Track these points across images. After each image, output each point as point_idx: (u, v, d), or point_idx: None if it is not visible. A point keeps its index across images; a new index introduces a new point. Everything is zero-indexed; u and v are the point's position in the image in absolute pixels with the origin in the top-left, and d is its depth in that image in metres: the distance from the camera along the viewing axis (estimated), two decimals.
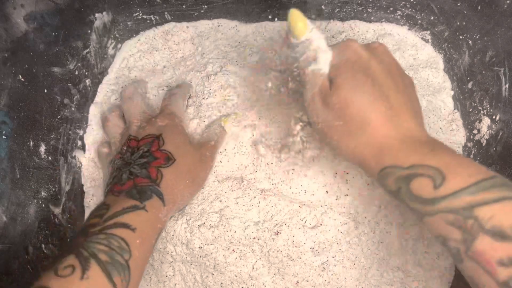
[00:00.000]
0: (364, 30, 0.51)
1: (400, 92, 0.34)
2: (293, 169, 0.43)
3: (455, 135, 0.46)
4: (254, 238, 0.42)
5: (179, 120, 0.44)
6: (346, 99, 0.33)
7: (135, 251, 0.33)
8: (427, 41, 0.50)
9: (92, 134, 0.49)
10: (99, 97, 0.51)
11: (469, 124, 0.46)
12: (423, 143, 0.33)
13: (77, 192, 0.48)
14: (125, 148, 0.41)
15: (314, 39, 0.35)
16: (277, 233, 0.42)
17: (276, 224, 0.42)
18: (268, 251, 0.42)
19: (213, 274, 0.42)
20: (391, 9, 0.50)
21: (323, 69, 0.35)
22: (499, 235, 0.27)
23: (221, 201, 0.43)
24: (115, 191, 0.37)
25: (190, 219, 0.42)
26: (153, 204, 0.36)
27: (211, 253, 0.41)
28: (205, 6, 0.52)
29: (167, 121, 0.42)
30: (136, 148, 0.40)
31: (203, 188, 0.44)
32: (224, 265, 0.41)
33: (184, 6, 0.52)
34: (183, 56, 0.52)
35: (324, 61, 0.35)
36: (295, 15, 0.35)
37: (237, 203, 0.43)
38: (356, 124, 0.33)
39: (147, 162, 0.39)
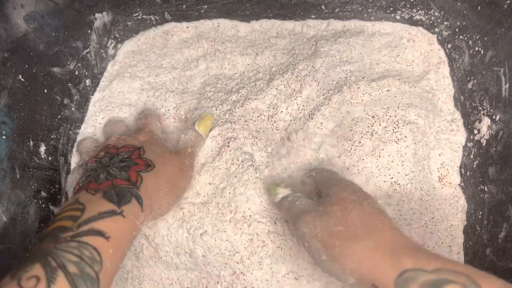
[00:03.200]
0: (364, 30, 0.51)
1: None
2: None
3: (455, 135, 0.46)
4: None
5: (157, 137, 0.44)
6: (347, 207, 0.33)
7: (107, 262, 0.31)
8: (427, 41, 0.50)
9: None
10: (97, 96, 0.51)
11: (469, 124, 0.46)
12: (431, 252, 0.31)
13: None
14: (102, 153, 0.40)
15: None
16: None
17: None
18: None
19: (217, 282, 0.42)
20: (391, 9, 0.50)
21: (306, 200, 0.37)
22: None
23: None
24: (91, 189, 0.35)
25: (191, 228, 0.42)
26: (131, 210, 0.35)
27: (214, 261, 0.41)
28: (205, 6, 0.52)
29: (147, 137, 0.42)
30: (116, 154, 0.39)
31: (198, 196, 0.43)
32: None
33: (184, 6, 0.52)
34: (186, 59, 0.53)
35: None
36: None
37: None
38: (360, 228, 0.32)
39: (126, 165, 0.38)
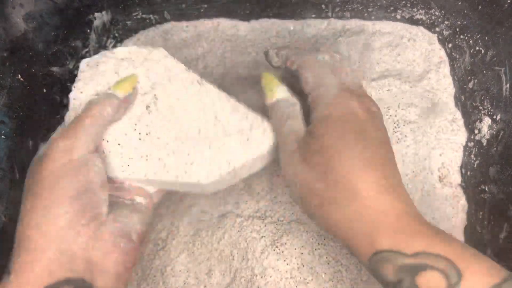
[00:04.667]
0: (364, 29, 0.51)
1: (394, 164, 0.30)
2: None
3: (456, 135, 0.46)
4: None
5: None
6: (330, 161, 0.28)
7: None
8: (427, 40, 0.50)
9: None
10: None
11: (470, 124, 0.46)
12: (422, 223, 0.27)
13: None
14: None
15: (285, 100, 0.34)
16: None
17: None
18: None
19: None
20: (392, 8, 0.50)
21: (299, 126, 0.32)
22: None
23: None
24: None
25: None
26: None
27: None
28: (205, 6, 0.52)
29: None
30: None
31: None
32: None
33: (183, 6, 0.52)
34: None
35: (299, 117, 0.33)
36: (266, 79, 0.35)
37: None
38: (342, 192, 0.28)
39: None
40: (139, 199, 0.33)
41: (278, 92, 0.34)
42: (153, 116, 0.34)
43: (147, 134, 0.33)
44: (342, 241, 0.29)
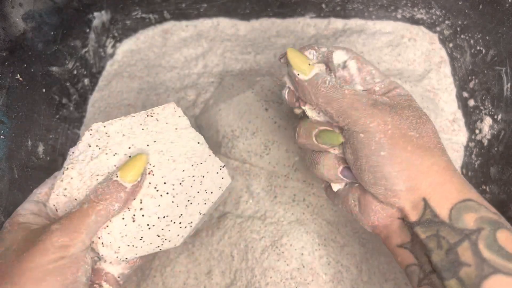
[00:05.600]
0: (364, 29, 0.51)
1: None
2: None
3: (457, 135, 0.46)
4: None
5: (11, 218, 0.32)
6: (421, 117, 0.31)
7: None
8: (428, 40, 0.50)
9: None
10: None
11: (471, 124, 0.45)
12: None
13: None
14: None
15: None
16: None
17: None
18: None
19: None
20: (392, 7, 0.50)
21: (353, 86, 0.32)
22: None
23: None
24: None
25: None
26: None
27: None
28: (205, 5, 0.52)
29: None
30: None
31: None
32: None
33: (183, 5, 0.52)
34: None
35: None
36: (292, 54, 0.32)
37: None
38: (434, 144, 0.30)
39: None
40: (105, 286, 0.32)
41: (315, 64, 0.32)
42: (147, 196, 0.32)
43: (142, 216, 0.31)
44: (422, 190, 0.29)
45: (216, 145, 0.46)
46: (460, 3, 0.45)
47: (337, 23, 0.52)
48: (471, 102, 0.45)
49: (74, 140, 0.48)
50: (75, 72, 0.47)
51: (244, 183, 0.44)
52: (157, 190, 0.31)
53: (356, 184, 0.33)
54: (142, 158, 0.31)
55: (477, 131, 0.44)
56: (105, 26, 0.50)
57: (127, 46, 0.53)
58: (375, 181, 0.29)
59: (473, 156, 0.44)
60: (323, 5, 0.51)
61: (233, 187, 0.44)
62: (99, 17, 0.49)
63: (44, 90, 0.43)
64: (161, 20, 0.53)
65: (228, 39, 0.53)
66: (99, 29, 0.49)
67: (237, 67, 0.51)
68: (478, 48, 0.44)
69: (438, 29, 0.49)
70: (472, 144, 0.45)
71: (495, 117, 0.42)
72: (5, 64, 0.38)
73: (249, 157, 0.45)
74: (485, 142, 0.43)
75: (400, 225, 0.30)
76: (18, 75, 0.39)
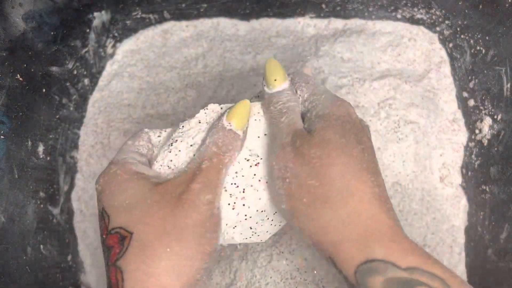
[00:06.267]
0: (364, 29, 0.51)
1: (381, 178, 0.28)
2: None
3: (456, 135, 0.46)
4: None
5: (121, 165, 0.29)
6: (329, 156, 0.26)
7: None
8: (428, 40, 0.50)
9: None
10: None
11: (471, 124, 0.45)
12: (413, 242, 0.25)
13: None
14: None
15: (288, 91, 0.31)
16: None
17: None
18: None
19: None
20: (392, 7, 0.50)
21: (298, 120, 0.30)
22: None
23: None
24: None
25: None
26: None
27: None
28: (205, 5, 0.52)
29: (105, 178, 0.29)
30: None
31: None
32: None
33: (183, 5, 0.52)
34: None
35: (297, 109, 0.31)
36: (270, 65, 0.31)
37: None
38: (337, 192, 0.25)
39: (107, 264, 0.26)
40: None
41: (284, 82, 0.31)
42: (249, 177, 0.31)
43: (243, 206, 0.30)
44: (326, 248, 0.26)
45: None
46: (460, 3, 0.45)
47: (337, 23, 0.52)
48: (471, 102, 0.45)
49: (74, 140, 0.48)
50: (75, 72, 0.47)
51: None
52: (261, 183, 0.30)
53: None
54: (246, 104, 0.30)
55: (477, 131, 0.44)
56: (105, 26, 0.50)
57: (127, 46, 0.53)
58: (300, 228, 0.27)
59: (473, 156, 0.44)
60: (323, 5, 0.51)
61: None
62: (99, 17, 0.49)
63: (44, 90, 0.43)
64: (161, 20, 0.53)
65: (228, 39, 0.53)
66: (99, 29, 0.49)
67: (237, 67, 0.51)
68: (478, 48, 0.44)
69: (438, 29, 0.49)
70: (472, 144, 0.45)
71: (495, 117, 0.42)
72: (5, 64, 0.38)
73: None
74: (485, 142, 0.43)
75: None
76: (18, 75, 0.39)
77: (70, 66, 0.46)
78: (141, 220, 0.26)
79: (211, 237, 0.27)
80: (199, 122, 0.32)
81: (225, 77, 0.50)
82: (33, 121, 0.42)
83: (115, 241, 0.26)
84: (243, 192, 0.30)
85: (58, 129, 0.45)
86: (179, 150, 0.31)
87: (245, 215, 0.30)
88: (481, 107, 0.44)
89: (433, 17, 0.49)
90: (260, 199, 0.30)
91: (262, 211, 0.31)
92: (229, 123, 0.29)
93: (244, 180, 0.30)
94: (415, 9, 0.49)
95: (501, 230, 0.40)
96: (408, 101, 0.46)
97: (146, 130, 0.33)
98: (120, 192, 0.27)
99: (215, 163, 0.28)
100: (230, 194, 0.30)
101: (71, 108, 0.47)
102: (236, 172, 0.30)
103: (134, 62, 0.52)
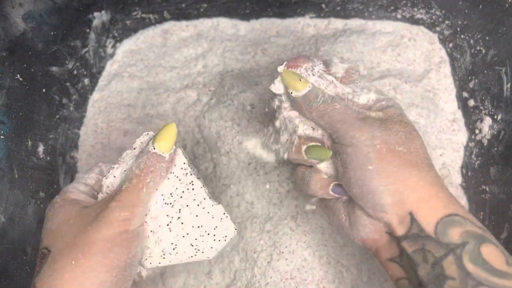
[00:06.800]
0: (364, 29, 0.51)
1: None
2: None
3: (456, 135, 0.46)
4: None
5: (62, 194, 0.32)
6: (410, 133, 0.31)
7: None
8: (428, 40, 0.50)
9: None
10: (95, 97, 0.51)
11: (471, 124, 0.45)
12: None
13: None
14: None
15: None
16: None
17: None
18: None
19: None
20: (392, 8, 0.50)
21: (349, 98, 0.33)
22: None
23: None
24: None
25: None
26: None
27: None
28: (205, 5, 0.52)
29: (49, 206, 0.32)
30: None
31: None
32: None
33: (183, 5, 0.52)
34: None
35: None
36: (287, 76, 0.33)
37: None
38: (422, 160, 0.30)
39: None
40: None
41: (307, 82, 0.32)
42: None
43: (181, 224, 0.32)
44: (409, 204, 0.29)
45: (216, 145, 0.46)
46: (460, 3, 0.45)
47: (337, 23, 0.52)
48: (471, 102, 0.45)
49: (74, 140, 0.48)
50: (75, 72, 0.47)
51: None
52: (194, 200, 0.32)
53: (345, 197, 0.33)
54: (172, 127, 0.31)
55: (477, 131, 0.44)
56: (105, 26, 0.50)
57: (127, 46, 0.53)
58: (363, 195, 0.30)
59: (473, 156, 0.44)
60: (323, 5, 0.51)
61: (233, 186, 0.44)
62: (99, 17, 0.49)
63: (44, 90, 0.43)
64: (161, 20, 0.53)
65: (228, 39, 0.53)
66: (99, 29, 0.49)
67: (237, 67, 0.51)
68: (478, 48, 0.44)
69: (438, 29, 0.49)
70: (472, 144, 0.45)
71: (495, 117, 0.42)
72: (5, 64, 0.38)
73: (249, 157, 0.45)
74: (485, 142, 0.43)
75: (389, 239, 0.31)
76: (18, 75, 0.39)
77: (70, 66, 0.46)
78: (60, 239, 0.29)
79: (120, 251, 0.28)
80: (134, 149, 0.33)
81: (225, 77, 0.50)
82: (33, 121, 0.42)
83: (39, 260, 0.29)
84: (179, 212, 0.31)
85: (58, 129, 0.45)
86: (114, 176, 0.33)
87: (183, 233, 0.32)
88: (481, 107, 0.44)
89: (433, 17, 0.49)
90: (197, 216, 0.32)
91: (199, 227, 0.32)
92: (153, 147, 0.31)
93: (179, 200, 0.32)
94: (415, 9, 0.49)
95: (501, 230, 0.40)
96: (408, 101, 0.46)
97: (100, 164, 0.35)
98: (53, 217, 0.30)
99: (134, 184, 0.30)
100: (167, 215, 0.31)
101: (71, 108, 0.47)
102: (171, 193, 0.31)
103: (134, 62, 0.52)
